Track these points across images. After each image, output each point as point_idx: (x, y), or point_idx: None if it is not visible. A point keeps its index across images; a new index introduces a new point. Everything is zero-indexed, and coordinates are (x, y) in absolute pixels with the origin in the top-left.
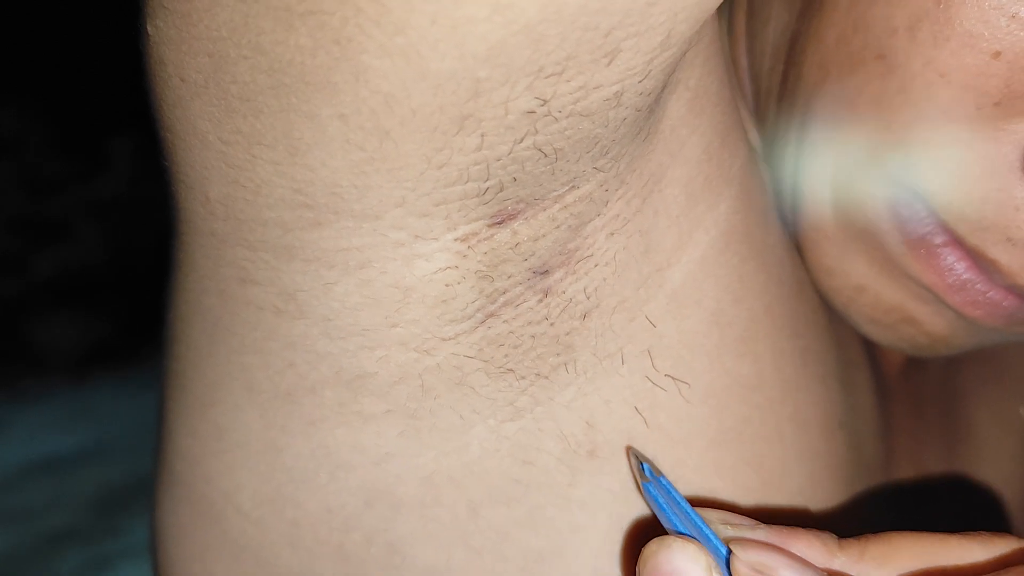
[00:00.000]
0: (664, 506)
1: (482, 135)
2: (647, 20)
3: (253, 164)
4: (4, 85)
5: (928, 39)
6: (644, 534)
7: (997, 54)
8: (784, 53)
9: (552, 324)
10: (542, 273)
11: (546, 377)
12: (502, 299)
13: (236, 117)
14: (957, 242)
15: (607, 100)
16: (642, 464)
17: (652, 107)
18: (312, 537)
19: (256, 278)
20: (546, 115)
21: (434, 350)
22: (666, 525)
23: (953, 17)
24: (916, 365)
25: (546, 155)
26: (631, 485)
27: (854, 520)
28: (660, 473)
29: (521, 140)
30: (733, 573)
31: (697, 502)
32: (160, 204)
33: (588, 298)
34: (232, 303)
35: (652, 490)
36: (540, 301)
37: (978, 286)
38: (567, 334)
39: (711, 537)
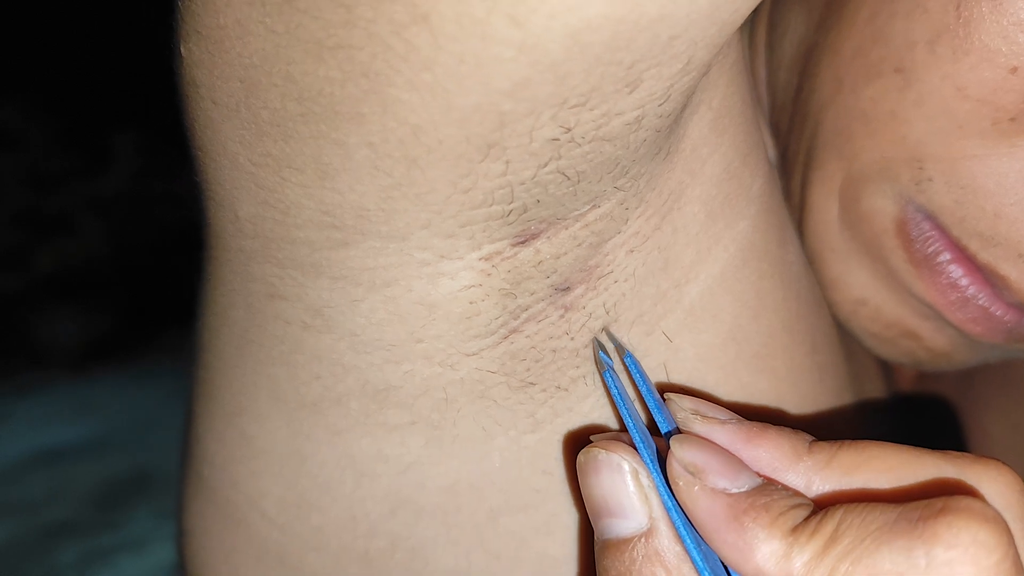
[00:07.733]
0: (619, 396)
1: (507, 162)
2: (668, 51)
3: (283, 186)
4: (7, 80)
5: (947, 53)
6: None
7: (1015, 69)
8: (800, 65)
9: (572, 338)
10: (563, 290)
11: (565, 389)
12: (525, 315)
13: (267, 141)
14: (966, 259)
15: (628, 124)
16: (601, 353)
17: (672, 127)
18: (337, 542)
19: (284, 293)
20: (569, 141)
21: (458, 364)
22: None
23: (972, 32)
24: (930, 375)
25: (569, 178)
26: None
27: None
28: (627, 351)
29: (545, 165)
30: (668, 469)
31: (684, 392)
32: (162, 200)
33: (607, 313)
34: (260, 316)
35: (610, 379)
36: (561, 316)
37: (981, 302)
38: (586, 347)
39: (642, 438)
